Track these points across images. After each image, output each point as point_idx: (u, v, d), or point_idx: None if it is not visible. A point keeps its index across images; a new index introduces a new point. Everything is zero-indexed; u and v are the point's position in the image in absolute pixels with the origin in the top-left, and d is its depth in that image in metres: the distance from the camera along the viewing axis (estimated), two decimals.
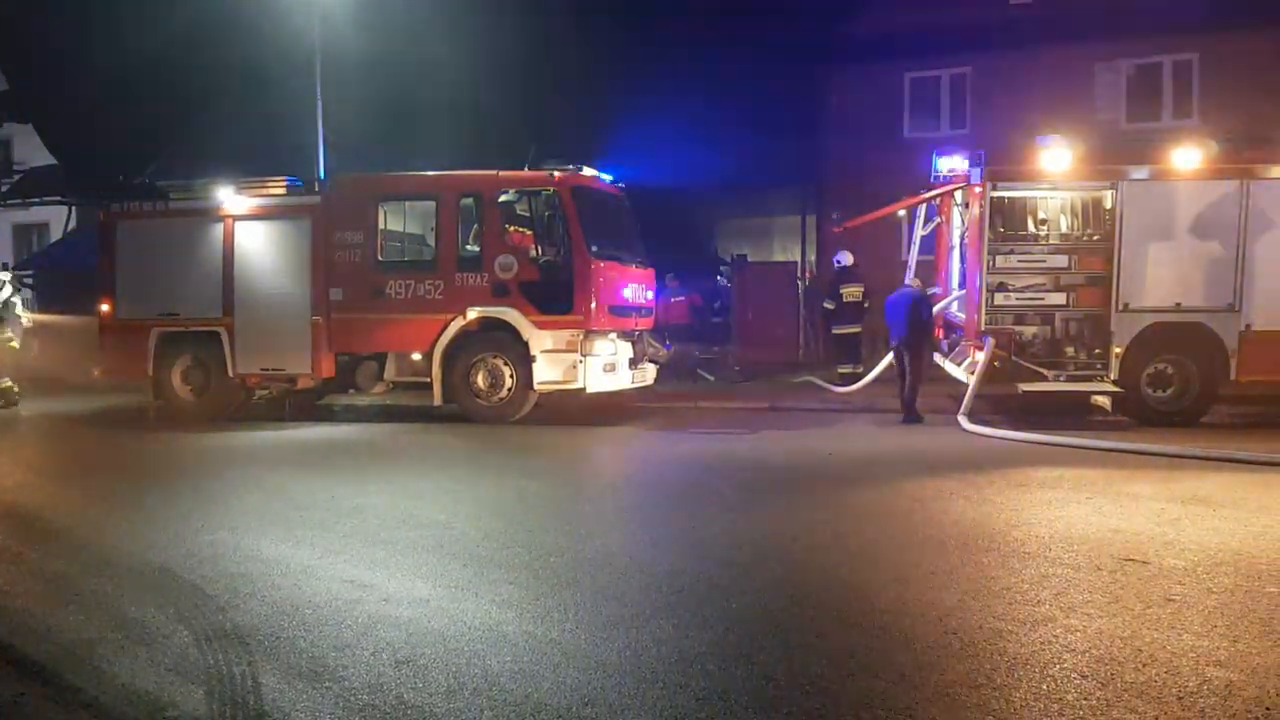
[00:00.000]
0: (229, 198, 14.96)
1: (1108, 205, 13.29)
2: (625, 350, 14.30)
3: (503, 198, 13.91)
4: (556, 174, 13.76)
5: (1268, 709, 4.01)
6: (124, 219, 15.36)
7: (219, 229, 14.90)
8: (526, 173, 14.08)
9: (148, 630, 5.17)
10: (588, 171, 14.38)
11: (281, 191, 15.11)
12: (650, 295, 15.51)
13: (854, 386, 16.21)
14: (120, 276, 15.30)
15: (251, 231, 14.86)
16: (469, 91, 28.56)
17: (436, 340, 13.95)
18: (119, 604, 5.65)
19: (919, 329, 13.76)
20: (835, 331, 17.66)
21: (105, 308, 15.34)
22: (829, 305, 17.65)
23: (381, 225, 14.54)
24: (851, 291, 17.23)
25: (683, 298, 19.68)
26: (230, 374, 14.78)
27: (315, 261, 14.47)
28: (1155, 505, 8.01)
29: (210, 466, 11.02)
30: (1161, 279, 13.11)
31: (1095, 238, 13.39)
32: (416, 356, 14.29)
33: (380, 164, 19.78)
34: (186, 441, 12.88)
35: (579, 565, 6.30)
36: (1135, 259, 13.12)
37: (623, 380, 14.27)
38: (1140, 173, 13.17)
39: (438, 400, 14.07)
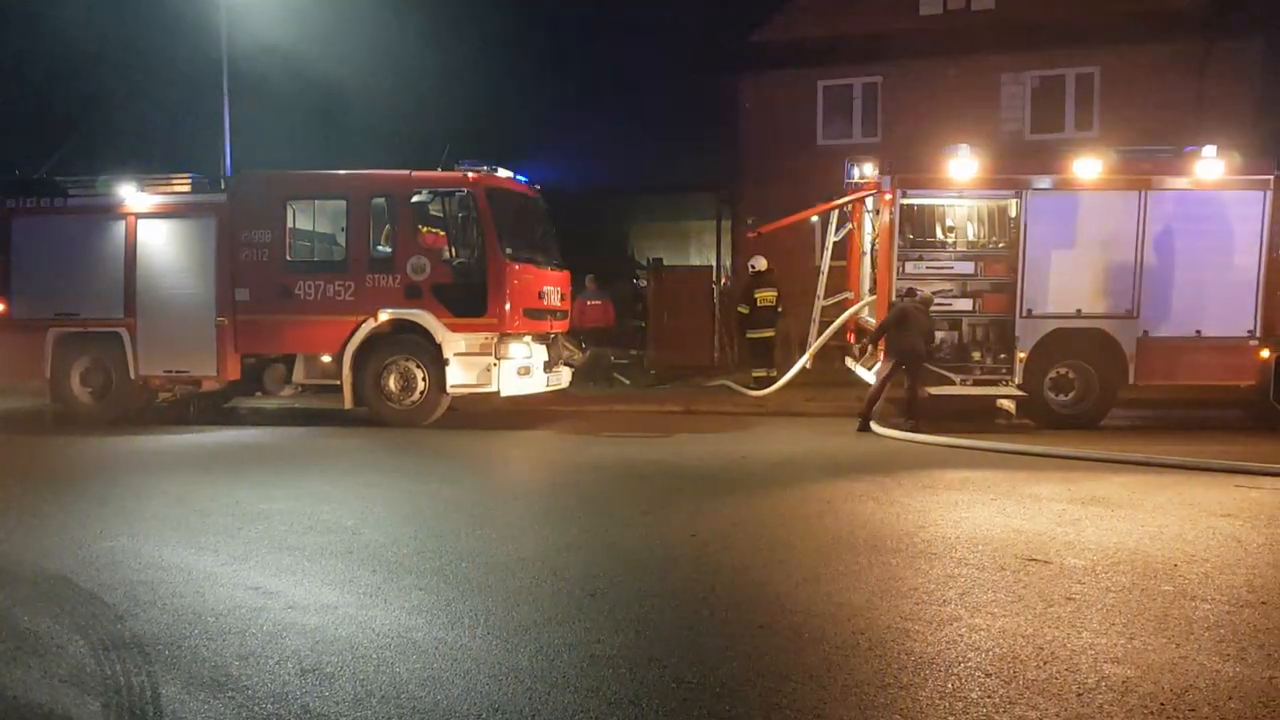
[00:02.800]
0: (131, 194, 14.57)
1: (1012, 214, 13.61)
2: (540, 353, 14.25)
3: (416, 198, 13.69)
4: (471, 174, 13.64)
5: (1162, 704, 4.13)
6: (20, 215, 14.81)
7: (121, 227, 14.51)
8: (440, 173, 13.90)
9: (42, 640, 4.99)
10: (503, 172, 14.24)
11: (186, 188, 14.76)
12: (565, 298, 15.45)
13: (767, 390, 16.36)
14: (16, 274, 14.77)
15: (155, 229, 14.48)
16: (377, 91, 28.27)
17: (347, 342, 13.76)
18: (11, 613, 5.45)
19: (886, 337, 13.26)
20: (749, 335, 17.81)
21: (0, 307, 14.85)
22: (743, 309, 17.79)
23: (290, 224, 14.25)
24: (765, 296, 17.42)
25: (598, 301, 19.65)
26: (132, 376, 14.43)
27: (221, 260, 14.17)
28: (1057, 506, 8.23)
29: (110, 471, 10.67)
30: (1064, 286, 13.48)
31: (1001, 245, 13.70)
32: (326, 359, 14.07)
33: (289, 161, 19.43)
34: (85, 445, 12.49)
35: (490, 570, 6.25)
36: (1038, 266, 13.48)
37: (537, 384, 14.21)
38: (1043, 182, 13.52)
39: (348, 404, 13.86)
